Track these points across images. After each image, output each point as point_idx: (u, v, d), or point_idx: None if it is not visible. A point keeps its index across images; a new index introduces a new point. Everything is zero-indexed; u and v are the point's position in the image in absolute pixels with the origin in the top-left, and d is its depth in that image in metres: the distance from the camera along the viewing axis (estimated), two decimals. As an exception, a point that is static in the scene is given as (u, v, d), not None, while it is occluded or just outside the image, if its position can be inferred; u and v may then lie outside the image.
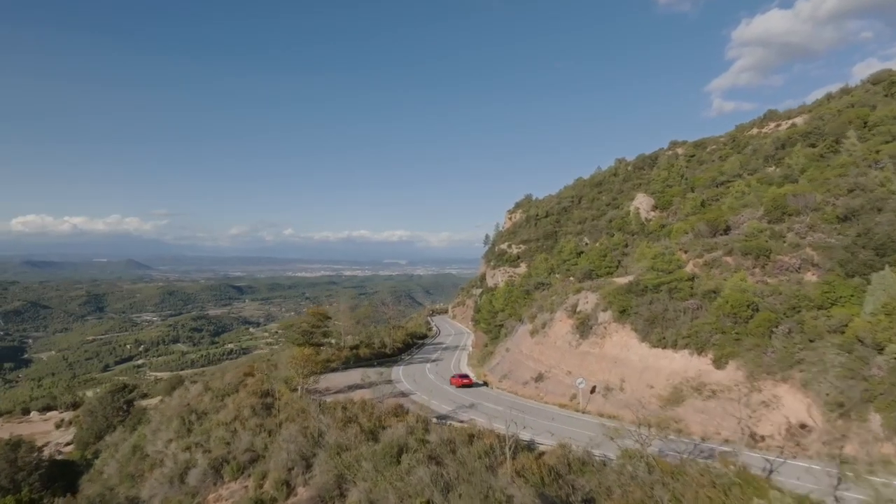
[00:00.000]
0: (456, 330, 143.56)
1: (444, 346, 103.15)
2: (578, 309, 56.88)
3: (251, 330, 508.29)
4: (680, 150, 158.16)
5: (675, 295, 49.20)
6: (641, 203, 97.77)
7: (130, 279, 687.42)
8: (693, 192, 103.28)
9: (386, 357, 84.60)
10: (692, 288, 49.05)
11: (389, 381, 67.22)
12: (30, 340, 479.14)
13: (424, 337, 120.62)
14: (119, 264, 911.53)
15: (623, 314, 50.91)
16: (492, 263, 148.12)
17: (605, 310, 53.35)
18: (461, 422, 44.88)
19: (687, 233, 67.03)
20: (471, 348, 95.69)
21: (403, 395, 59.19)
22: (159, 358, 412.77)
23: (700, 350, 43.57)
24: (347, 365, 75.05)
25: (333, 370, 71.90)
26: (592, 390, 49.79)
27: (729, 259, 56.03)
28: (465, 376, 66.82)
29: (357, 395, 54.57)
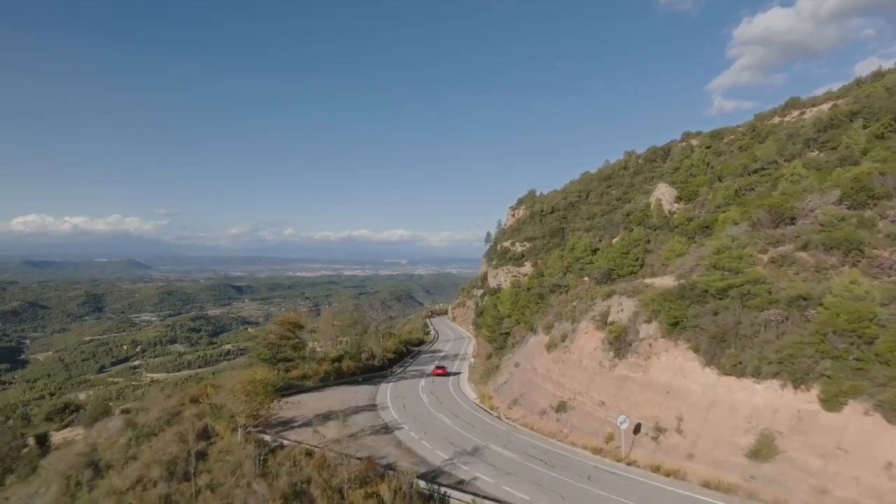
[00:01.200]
0: (456, 334, 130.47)
1: (441, 353, 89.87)
2: (611, 319, 43.56)
3: (250, 330, 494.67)
4: (694, 142, 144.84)
5: (747, 302, 35.91)
6: (664, 194, 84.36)
7: (130, 279, 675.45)
8: (720, 181, 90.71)
9: (374, 370, 71.10)
10: (770, 293, 35.75)
11: (373, 406, 53.77)
12: (27, 341, 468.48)
13: (420, 343, 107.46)
14: (119, 264, 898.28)
15: (675, 328, 37.59)
16: (494, 263, 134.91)
17: (648, 321, 40.06)
18: (461, 487, 31.20)
19: (736, 223, 54.08)
20: (472, 358, 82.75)
21: (387, 429, 45.56)
22: (156, 359, 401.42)
23: (798, 382, 30.13)
24: (326, 382, 61.31)
25: (308, 390, 58.18)
26: (636, 429, 36.53)
27: (804, 254, 42.90)
28: (442, 367, 72.42)
29: (328, 429, 41.40)
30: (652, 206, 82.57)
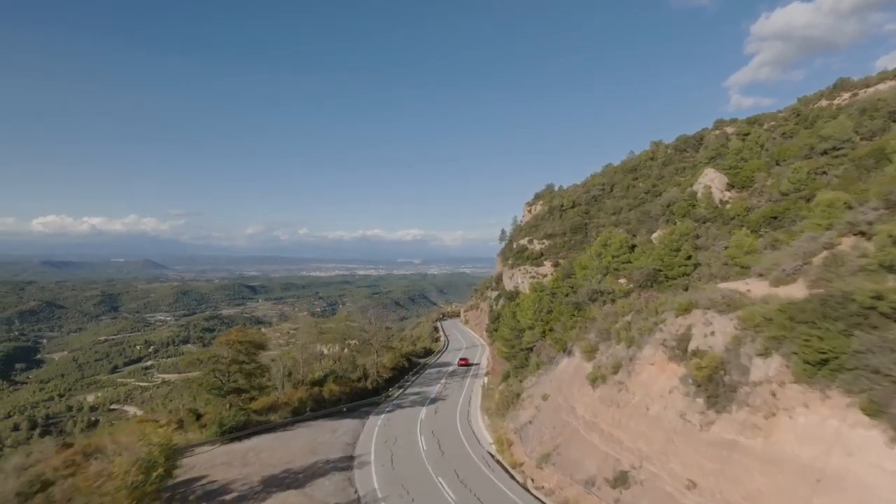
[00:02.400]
0: (468, 341, 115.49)
1: (449, 368, 74.99)
2: (694, 346, 28.29)
3: (263, 330, 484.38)
4: (729, 129, 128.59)
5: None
6: (713, 181, 68.49)
7: (146, 279, 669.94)
8: (778, 165, 75.14)
9: (365, 395, 55.00)
10: None
11: (349, 459, 38.51)
12: (44, 340, 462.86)
13: (428, 354, 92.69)
14: (136, 264, 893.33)
15: (821, 368, 22.58)
16: (510, 262, 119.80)
17: (764, 353, 24.98)
18: None
19: (850, 206, 38.73)
20: (485, 376, 67.85)
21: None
22: (168, 359, 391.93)
23: None
24: (300, 414, 46.13)
25: (271, 428, 43.04)
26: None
27: None
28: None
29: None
30: (699, 194, 66.85)
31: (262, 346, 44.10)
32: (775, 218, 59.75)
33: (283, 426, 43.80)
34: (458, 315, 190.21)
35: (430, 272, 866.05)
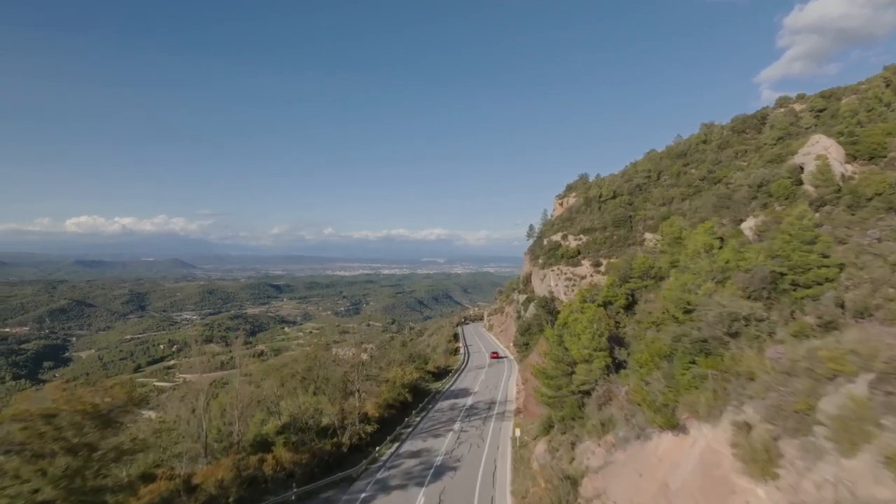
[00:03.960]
0: (492, 355, 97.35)
1: (468, 400, 55.06)
2: None
3: (286, 329, 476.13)
4: (798, 106, 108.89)
5: None
6: (829, 150, 49.86)
7: (174, 278, 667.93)
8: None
9: (334, 463, 35.76)
10: None
11: None
12: (73, 338, 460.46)
13: (443, 374, 75.08)
14: (165, 263, 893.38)
15: None
16: (540, 261, 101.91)
17: None
18: None
19: None
20: (516, 426, 49.67)
21: None
22: (190, 359, 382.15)
23: None
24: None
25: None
26: None
27: None
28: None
29: None
30: (811, 170, 48.24)
31: (125, 411, 22.94)
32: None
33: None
34: (481, 319, 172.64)
35: (454, 271, 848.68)
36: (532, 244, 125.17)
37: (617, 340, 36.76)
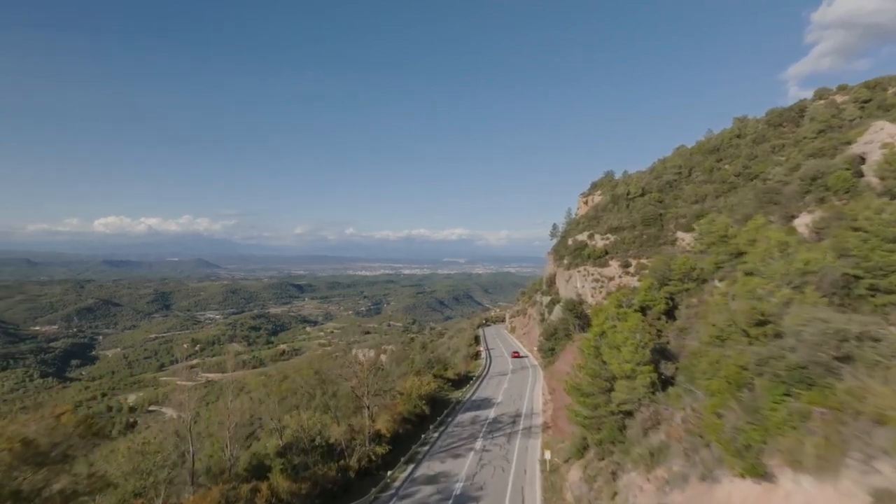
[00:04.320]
0: (516, 362, 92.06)
1: (490, 413, 51.04)
2: None
3: (307, 329, 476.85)
4: (839, 98, 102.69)
5: None
6: None
7: (198, 277, 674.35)
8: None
9: (339, 491, 31.27)
10: None
11: None
12: (100, 337, 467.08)
13: (464, 381, 70.64)
14: (189, 263, 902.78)
15: None
16: (565, 261, 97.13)
17: None
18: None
19: None
20: (540, 427, 45.32)
21: None
22: (213, 358, 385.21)
23: None
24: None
25: None
26: None
27: None
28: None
29: None
30: (876, 159, 42.97)
31: (77, 445, 18.41)
32: None
33: None
34: (502, 320, 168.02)
35: (474, 272, 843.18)
36: (556, 244, 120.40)
37: (662, 353, 32.26)
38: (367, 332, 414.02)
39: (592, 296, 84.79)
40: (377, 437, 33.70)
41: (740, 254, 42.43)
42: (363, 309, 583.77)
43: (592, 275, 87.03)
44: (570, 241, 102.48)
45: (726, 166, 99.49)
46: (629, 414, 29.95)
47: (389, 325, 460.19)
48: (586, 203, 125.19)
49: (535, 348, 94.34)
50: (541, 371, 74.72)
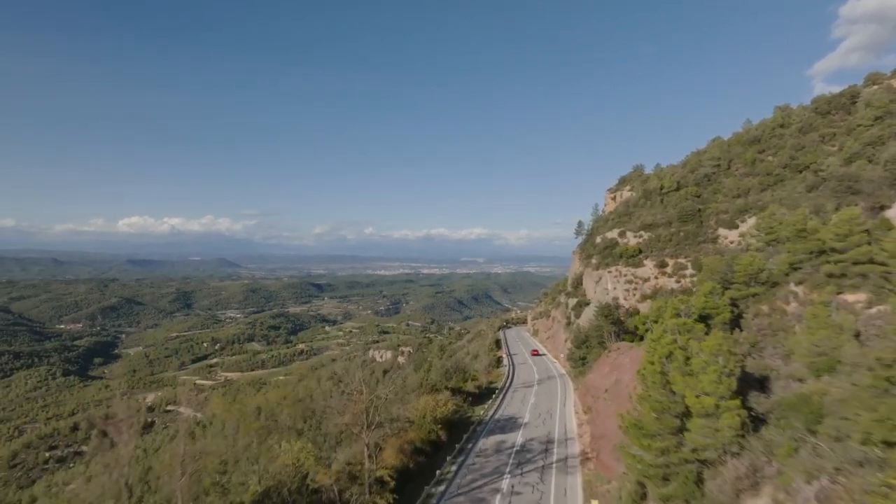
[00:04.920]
0: (541, 368, 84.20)
1: (517, 437, 43.13)
2: None
3: (326, 328, 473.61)
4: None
5: None
6: None
7: (219, 277, 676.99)
8: None
9: None
10: None
11: None
12: (123, 336, 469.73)
13: (485, 394, 63.22)
14: (211, 263, 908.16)
15: None
16: (594, 261, 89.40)
17: None
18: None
19: None
20: (577, 458, 37.57)
21: None
22: (232, 357, 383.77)
23: None
24: None
25: None
26: None
27: None
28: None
29: None
30: None
31: None
32: None
33: None
34: (523, 322, 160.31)
35: (493, 271, 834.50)
36: (582, 242, 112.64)
37: (750, 381, 24.61)
38: (386, 332, 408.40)
39: (625, 298, 77.14)
40: (380, 484, 26.64)
41: (822, 252, 34.73)
42: (382, 308, 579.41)
43: (625, 275, 79.32)
44: (598, 240, 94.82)
45: (769, 157, 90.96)
46: (708, 463, 22.52)
47: (408, 325, 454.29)
48: (614, 199, 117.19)
49: (562, 355, 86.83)
50: (570, 382, 67.23)
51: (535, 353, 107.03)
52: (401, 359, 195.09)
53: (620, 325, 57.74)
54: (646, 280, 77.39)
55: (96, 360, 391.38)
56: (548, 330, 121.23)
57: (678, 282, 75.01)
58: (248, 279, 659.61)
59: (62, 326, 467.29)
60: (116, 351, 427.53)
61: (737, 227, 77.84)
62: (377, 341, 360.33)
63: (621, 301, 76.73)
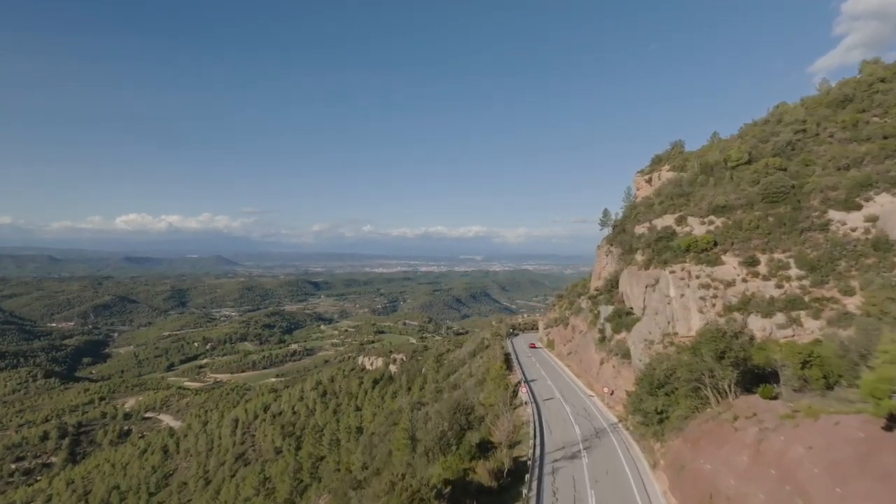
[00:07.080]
0: (578, 412, 53.19)
1: None
2: None
3: (322, 327, 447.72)
4: None
5: None
6: None
7: (216, 274, 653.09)
8: None
9: None
10: None
11: None
12: (115, 334, 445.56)
13: (505, 481, 36.45)
14: (208, 260, 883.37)
15: None
16: (639, 257, 63.67)
17: None
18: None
19: None
20: None
21: None
22: (224, 357, 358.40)
23: None
24: None
25: None
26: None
27: None
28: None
29: None
30: None
31: None
32: None
33: None
34: (533, 328, 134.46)
35: (491, 269, 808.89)
36: (612, 234, 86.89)
37: None
38: (382, 332, 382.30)
39: (701, 310, 51.50)
40: None
41: None
42: (379, 307, 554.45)
43: (697, 277, 53.51)
44: (635, 231, 69.27)
45: (876, 118, 65.36)
46: None
47: (405, 324, 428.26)
48: (649, 182, 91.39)
49: (606, 389, 60.91)
50: (635, 447, 41.20)
51: (534, 347, 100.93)
52: (392, 367, 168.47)
53: (739, 366, 32.13)
54: (729, 284, 51.70)
55: (85, 360, 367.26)
56: (566, 342, 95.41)
57: (779, 286, 49.49)
58: (245, 277, 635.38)
59: (53, 325, 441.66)
60: (107, 350, 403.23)
61: (859, 207, 52.42)
62: (372, 342, 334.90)
63: (693, 313, 51.34)
